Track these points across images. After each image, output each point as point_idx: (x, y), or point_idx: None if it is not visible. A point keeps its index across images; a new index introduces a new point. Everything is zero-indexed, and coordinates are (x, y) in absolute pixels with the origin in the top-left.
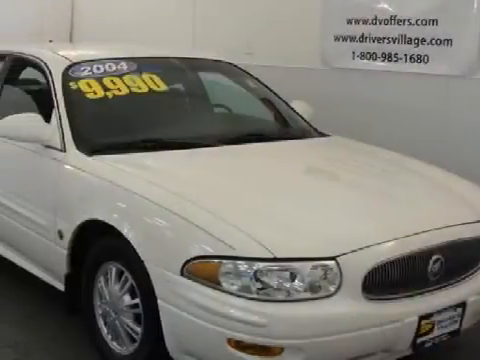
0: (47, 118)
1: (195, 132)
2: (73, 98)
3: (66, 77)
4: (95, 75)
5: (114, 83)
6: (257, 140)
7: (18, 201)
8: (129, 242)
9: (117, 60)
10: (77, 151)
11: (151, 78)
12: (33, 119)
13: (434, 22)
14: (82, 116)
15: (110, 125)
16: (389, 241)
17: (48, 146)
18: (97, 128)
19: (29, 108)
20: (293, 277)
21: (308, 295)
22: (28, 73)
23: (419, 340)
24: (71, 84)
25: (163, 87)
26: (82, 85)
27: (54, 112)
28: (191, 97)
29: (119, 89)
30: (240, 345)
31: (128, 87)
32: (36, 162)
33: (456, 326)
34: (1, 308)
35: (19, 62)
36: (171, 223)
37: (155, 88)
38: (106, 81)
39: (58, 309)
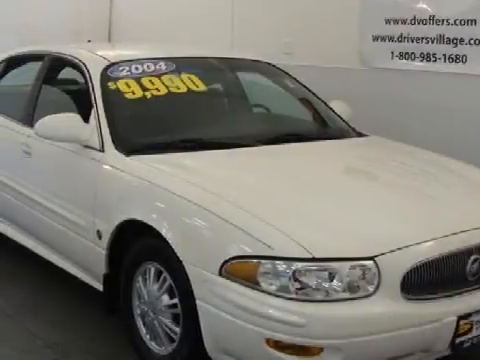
0: (86, 118)
1: (234, 132)
2: (111, 98)
3: (104, 77)
4: (133, 75)
5: (152, 83)
6: (296, 140)
7: (57, 201)
8: (167, 242)
9: (156, 60)
10: (116, 151)
11: (190, 78)
12: (72, 119)
13: (473, 22)
14: (121, 116)
15: (148, 125)
16: (427, 241)
17: (87, 146)
18: (136, 128)
19: (68, 108)
20: (332, 277)
21: (347, 295)
22: (67, 73)
23: (458, 340)
24: (110, 84)
25: (202, 87)
26: (120, 85)
27: (93, 112)
28: (230, 97)
29: (158, 89)
30: (279, 345)
31: (167, 87)
32: (75, 162)
33: None
34: (40, 308)
35: (58, 62)
36: (209, 223)
37: (194, 88)
38: (144, 81)
39: (96, 309)
